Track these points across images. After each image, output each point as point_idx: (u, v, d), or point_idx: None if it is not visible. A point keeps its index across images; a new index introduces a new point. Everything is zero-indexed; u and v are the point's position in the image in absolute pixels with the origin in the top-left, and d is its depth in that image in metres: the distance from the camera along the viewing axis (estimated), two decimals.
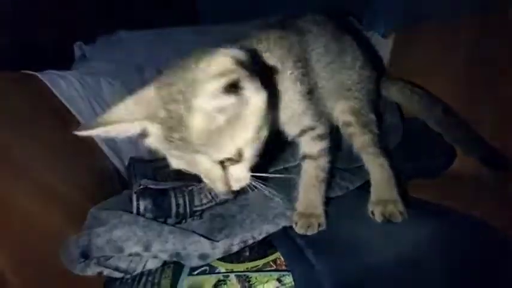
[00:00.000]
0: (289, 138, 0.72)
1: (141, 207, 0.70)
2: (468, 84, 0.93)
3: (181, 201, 0.75)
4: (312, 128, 0.69)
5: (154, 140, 0.53)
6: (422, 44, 1.08)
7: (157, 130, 0.50)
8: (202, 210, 0.77)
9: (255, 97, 0.49)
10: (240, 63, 0.42)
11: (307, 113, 0.67)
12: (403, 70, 1.15)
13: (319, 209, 0.68)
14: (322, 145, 0.69)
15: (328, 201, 0.71)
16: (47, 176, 0.75)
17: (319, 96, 0.72)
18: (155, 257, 0.60)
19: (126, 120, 0.50)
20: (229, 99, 0.46)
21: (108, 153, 1.04)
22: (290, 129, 0.70)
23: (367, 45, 1.07)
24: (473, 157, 0.78)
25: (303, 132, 0.69)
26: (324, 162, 0.70)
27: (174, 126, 0.48)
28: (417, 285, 0.54)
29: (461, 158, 0.93)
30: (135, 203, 0.70)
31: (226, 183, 0.54)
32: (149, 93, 0.51)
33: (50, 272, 0.64)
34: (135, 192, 0.71)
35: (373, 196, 0.72)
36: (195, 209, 0.76)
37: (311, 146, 0.70)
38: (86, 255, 0.58)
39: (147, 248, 0.59)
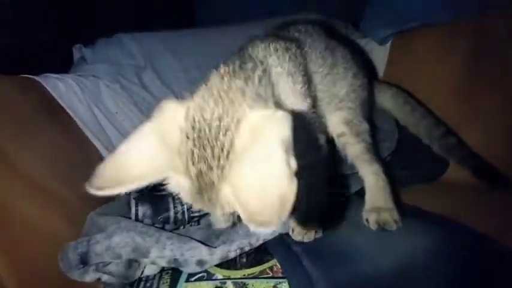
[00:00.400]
0: None
1: (140, 213, 0.70)
2: (464, 92, 0.94)
3: (179, 207, 0.76)
4: None
5: (177, 189, 0.46)
6: (419, 50, 1.08)
7: (185, 183, 0.43)
8: (200, 217, 0.78)
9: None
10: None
11: None
12: (399, 77, 1.16)
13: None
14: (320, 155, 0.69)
15: None
16: (46, 180, 0.75)
17: (317, 108, 0.72)
18: (153, 263, 0.61)
19: (152, 176, 0.43)
20: None
21: (106, 157, 1.04)
22: None
23: (358, 51, 1.07)
24: (465, 168, 0.79)
25: None
26: (321, 171, 0.69)
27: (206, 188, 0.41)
28: None
29: (456, 165, 0.94)
30: (133, 209, 0.70)
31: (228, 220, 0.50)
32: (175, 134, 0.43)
33: (48, 276, 0.65)
34: (134, 198, 0.72)
35: (367, 203, 0.73)
36: (192, 215, 0.77)
37: None
38: (84, 262, 0.59)
39: (145, 255, 0.59)
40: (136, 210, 0.70)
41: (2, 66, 0.82)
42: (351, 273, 0.56)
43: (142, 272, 0.64)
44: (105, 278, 0.61)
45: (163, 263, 0.61)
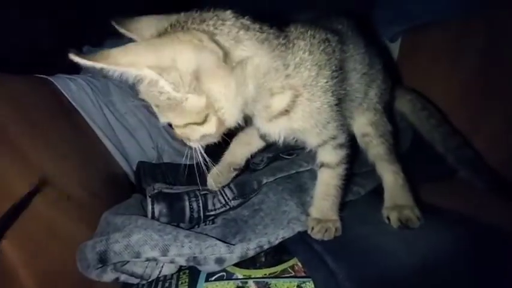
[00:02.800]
0: (310, 147, 0.70)
1: (156, 211, 0.69)
2: (476, 90, 0.94)
3: (195, 205, 0.75)
4: (334, 138, 0.66)
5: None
6: (430, 48, 1.08)
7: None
8: (216, 215, 0.76)
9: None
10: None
11: (332, 124, 0.64)
12: (409, 75, 1.16)
13: (335, 215, 0.67)
14: (342, 154, 0.68)
15: (341, 207, 0.71)
16: (58, 177, 0.74)
17: (347, 107, 0.70)
18: (172, 261, 0.60)
19: (136, 66, 0.45)
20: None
21: (116, 157, 1.04)
22: (311, 138, 0.67)
23: (384, 53, 1.06)
24: (476, 182, 0.76)
25: (325, 142, 0.67)
26: (342, 170, 0.68)
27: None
28: None
29: None
30: (149, 207, 0.69)
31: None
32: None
33: (62, 272, 0.64)
34: (150, 196, 0.71)
35: (387, 201, 0.73)
36: (208, 213, 0.76)
37: (331, 155, 0.68)
38: (103, 261, 0.57)
39: (164, 253, 0.58)
40: (153, 209, 0.69)
41: (16, 66, 0.82)
42: (376, 270, 0.55)
43: (160, 272, 0.63)
44: (123, 278, 0.60)
45: (182, 261, 0.59)
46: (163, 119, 0.56)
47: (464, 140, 0.82)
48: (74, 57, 0.43)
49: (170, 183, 0.88)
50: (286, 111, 0.60)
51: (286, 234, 0.65)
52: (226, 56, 0.50)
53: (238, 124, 0.59)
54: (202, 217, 0.75)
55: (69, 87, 0.93)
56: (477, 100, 0.94)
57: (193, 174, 0.96)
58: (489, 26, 0.91)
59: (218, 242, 0.62)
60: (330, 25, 0.69)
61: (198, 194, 0.78)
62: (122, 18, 0.55)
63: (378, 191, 0.79)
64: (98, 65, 0.44)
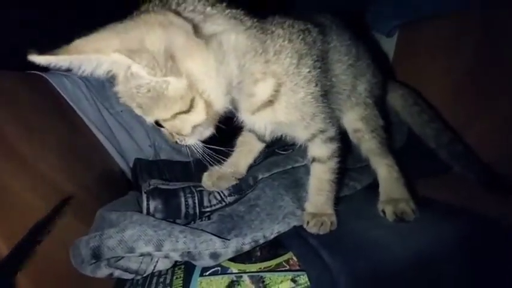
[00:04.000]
0: (299, 142, 0.69)
1: (151, 207, 0.69)
2: (474, 84, 0.93)
3: (190, 201, 0.75)
4: (323, 131, 0.66)
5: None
6: (427, 42, 1.07)
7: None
8: (211, 212, 0.76)
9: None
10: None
11: (320, 116, 0.63)
12: (406, 70, 1.15)
13: (330, 209, 0.67)
14: (332, 147, 0.67)
15: (336, 201, 0.71)
16: (54, 175, 0.74)
17: (334, 100, 0.70)
18: (166, 256, 0.60)
19: (102, 52, 0.42)
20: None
21: (113, 154, 1.04)
22: (299, 132, 0.66)
23: (375, 48, 1.07)
24: (469, 177, 0.76)
25: (313, 136, 0.66)
26: (334, 164, 0.68)
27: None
28: (434, 286, 0.54)
29: None
30: (145, 203, 0.69)
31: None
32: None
33: (57, 270, 0.64)
34: (145, 192, 0.71)
35: (382, 195, 0.72)
36: (203, 210, 0.75)
37: (321, 148, 0.67)
38: (97, 256, 0.57)
39: (158, 248, 0.58)
40: (148, 205, 0.69)
41: (9, 65, 0.81)
42: (370, 264, 0.55)
43: (154, 267, 0.62)
44: (117, 273, 0.60)
45: (176, 256, 0.59)
46: (150, 118, 0.53)
47: (456, 136, 0.82)
48: (34, 58, 0.40)
49: (166, 180, 0.88)
50: (270, 102, 0.59)
51: (282, 228, 0.65)
52: (196, 30, 0.48)
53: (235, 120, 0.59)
54: (198, 213, 0.75)
55: (63, 84, 0.93)
56: (472, 96, 0.94)
57: (190, 171, 0.96)
58: (486, 23, 0.90)
59: (213, 237, 0.61)
60: (313, 19, 0.69)
61: (194, 190, 0.78)
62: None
63: (373, 186, 0.79)
64: (60, 59, 0.41)
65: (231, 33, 0.52)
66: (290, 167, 0.84)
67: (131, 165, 1.06)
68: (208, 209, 0.76)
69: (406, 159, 0.93)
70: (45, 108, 0.83)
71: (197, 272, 0.61)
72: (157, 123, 0.55)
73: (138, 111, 0.53)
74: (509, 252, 0.58)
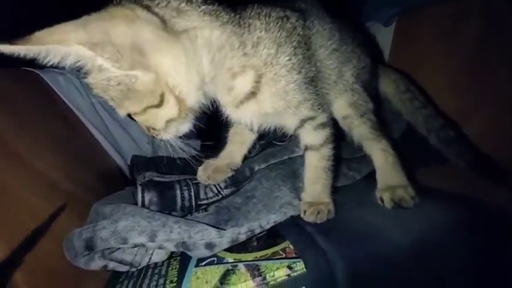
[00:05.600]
0: (290, 132, 0.68)
1: (146, 200, 0.68)
2: (474, 72, 0.91)
3: (186, 194, 0.74)
4: (312, 118, 0.64)
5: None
6: (425, 30, 1.05)
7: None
8: (208, 204, 0.75)
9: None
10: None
11: (306, 103, 0.62)
12: (404, 60, 1.14)
13: (328, 198, 0.66)
14: (325, 134, 0.66)
15: (335, 190, 0.70)
16: (50, 172, 0.73)
17: (323, 86, 0.69)
18: (160, 247, 0.59)
19: (64, 43, 0.42)
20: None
21: (109, 151, 1.03)
22: (287, 120, 0.65)
23: (363, 33, 1.04)
24: (461, 163, 0.74)
25: (303, 122, 0.65)
26: (328, 150, 0.67)
27: None
28: (431, 273, 0.53)
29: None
30: (140, 195, 0.68)
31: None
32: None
33: (53, 266, 0.63)
34: (140, 184, 0.70)
35: (379, 182, 0.71)
36: (200, 202, 0.75)
37: (313, 136, 0.66)
38: (90, 248, 0.56)
39: (151, 238, 0.57)
40: (143, 197, 0.68)
41: (4, 60, 0.81)
42: (368, 250, 0.53)
43: (150, 259, 0.61)
44: (111, 265, 0.59)
45: (171, 247, 0.58)
46: (122, 111, 0.53)
47: (447, 122, 0.80)
48: None
49: (163, 174, 0.87)
50: (252, 94, 0.59)
51: (278, 218, 0.64)
52: (165, 25, 0.48)
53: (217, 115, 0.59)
54: (194, 206, 0.74)
55: (57, 81, 0.93)
56: (473, 84, 0.93)
57: (189, 168, 0.95)
58: (486, 8, 0.89)
59: (208, 227, 0.60)
60: (292, 4, 0.68)
61: (190, 183, 0.78)
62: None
63: (372, 174, 0.78)
64: (22, 48, 0.41)
65: (205, 29, 0.52)
66: (287, 157, 0.83)
67: (129, 162, 1.06)
68: (204, 202, 0.75)
69: (406, 148, 0.92)
70: (38, 105, 0.83)
71: (192, 262, 0.60)
72: (130, 116, 0.55)
73: (111, 103, 0.53)
74: (509, 238, 0.57)
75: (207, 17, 0.52)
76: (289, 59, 0.58)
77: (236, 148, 0.83)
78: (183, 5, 0.51)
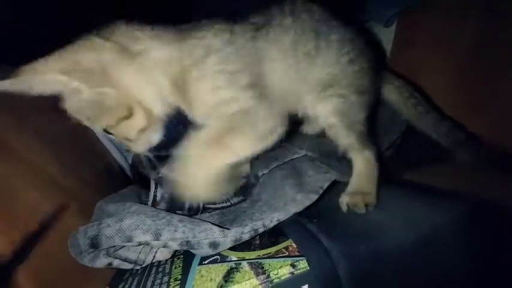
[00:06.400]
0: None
1: (158, 195, 0.70)
2: (478, 70, 0.91)
3: None
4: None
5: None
6: (427, 30, 1.05)
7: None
8: (215, 209, 0.76)
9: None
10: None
11: (232, 103, 0.62)
12: (406, 61, 1.14)
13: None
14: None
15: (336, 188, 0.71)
16: (50, 169, 0.74)
17: (277, 91, 0.67)
18: (165, 246, 0.59)
19: (44, 73, 0.53)
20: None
21: (110, 149, 1.03)
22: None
23: (363, 36, 1.03)
24: (475, 162, 0.75)
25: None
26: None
27: None
28: (434, 270, 0.54)
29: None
30: (152, 190, 0.70)
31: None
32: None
33: (57, 264, 0.63)
34: (154, 179, 0.71)
35: (349, 186, 0.71)
36: (207, 206, 0.76)
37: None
38: (95, 246, 0.57)
39: (156, 237, 0.58)
40: (155, 192, 0.70)
41: (4, 58, 0.81)
42: (371, 248, 0.54)
43: (153, 258, 0.62)
44: (116, 263, 0.60)
45: (175, 246, 0.59)
46: (98, 126, 0.62)
47: (454, 123, 0.81)
48: None
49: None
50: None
51: (281, 216, 0.64)
52: (124, 50, 0.59)
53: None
54: (201, 209, 0.75)
55: None
56: (472, 84, 0.93)
57: None
58: (485, 9, 0.89)
59: (212, 226, 0.61)
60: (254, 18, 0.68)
61: None
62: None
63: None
64: (5, 84, 0.51)
65: (153, 50, 0.61)
66: (289, 159, 0.83)
67: (129, 160, 1.06)
68: (212, 206, 0.76)
69: (406, 147, 0.92)
70: (37, 102, 0.83)
71: (196, 260, 0.60)
72: (106, 131, 0.63)
73: (87, 123, 0.62)
74: (509, 233, 0.57)
75: (155, 39, 0.61)
76: (218, 64, 0.62)
77: None
78: (137, 32, 0.61)
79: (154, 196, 0.70)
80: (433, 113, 0.83)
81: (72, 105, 0.58)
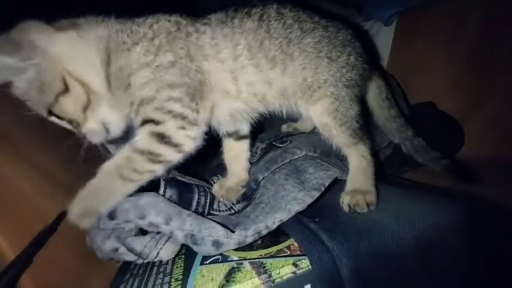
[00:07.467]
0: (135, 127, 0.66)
1: (167, 196, 0.71)
2: (478, 67, 0.92)
3: (202, 200, 0.76)
4: (157, 123, 0.62)
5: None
6: (427, 28, 1.05)
7: None
8: (218, 215, 0.77)
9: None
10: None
11: (152, 102, 0.62)
12: (404, 59, 1.15)
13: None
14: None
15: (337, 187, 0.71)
16: (52, 168, 0.74)
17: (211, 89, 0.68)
18: (171, 235, 0.61)
19: None
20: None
21: (110, 149, 1.03)
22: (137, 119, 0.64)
23: (360, 33, 0.94)
24: (437, 168, 0.79)
25: (144, 122, 0.63)
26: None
27: None
28: (435, 270, 0.53)
29: (471, 143, 0.91)
30: (162, 190, 0.70)
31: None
32: None
33: (60, 266, 0.63)
34: (164, 179, 0.72)
35: (347, 185, 0.71)
36: (212, 211, 0.77)
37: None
38: (112, 217, 0.61)
39: (167, 221, 0.60)
40: (164, 192, 0.71)
41: None
42: (372, 247, 0.54)
43: (157, 254, 0.62)
44: (122, 250, 0.61)
45: (180, 236, 0.60)
46: (43, 110, 0.62)
47: (415, 132, 0.85)
48: None
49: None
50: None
51: (284, 216, 0.64)
52: (52, 26, 0.61)
53: None
54: (206, 213, 0.76)
55: None
56: (472, 84, 0.94)
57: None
58: (485, 9, 0.89)
59: (217, 224, 0.62)
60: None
61: (207, 191, 0.80)
62: None
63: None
64: None
65: (84, 25, 0.63)
66: (288, 160, 0.83)
67: None
68: (215, 213, 0.77)
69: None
70: None
71: (197, 260, 0.60)
72: (51, 114, 0.62)
73: (35, 108, 0.62)
74: (508, 233, 0.57)
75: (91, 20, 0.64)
76: (146, 56, 0.62)
77: (235, 164, 0.85)
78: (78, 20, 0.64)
79: (163, 196, 0.70)
80: (402, 118, 0.86)
81: (19, 88, 0.59)
